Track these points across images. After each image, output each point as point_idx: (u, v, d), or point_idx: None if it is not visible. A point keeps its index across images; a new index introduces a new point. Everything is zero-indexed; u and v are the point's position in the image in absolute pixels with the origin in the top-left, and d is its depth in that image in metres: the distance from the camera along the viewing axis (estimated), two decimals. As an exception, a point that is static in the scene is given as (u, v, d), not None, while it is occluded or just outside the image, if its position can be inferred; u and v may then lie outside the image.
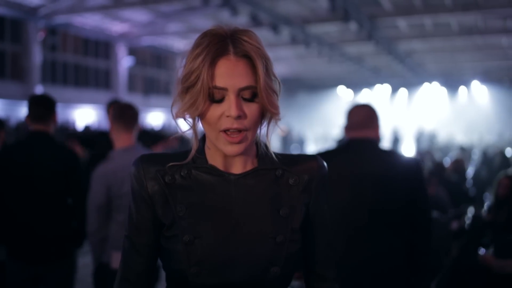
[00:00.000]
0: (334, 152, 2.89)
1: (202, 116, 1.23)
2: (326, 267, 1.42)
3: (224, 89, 1.18)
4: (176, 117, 1.25)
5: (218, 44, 1.19)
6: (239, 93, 1.19)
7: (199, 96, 1.18)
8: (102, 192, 3.08)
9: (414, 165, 2.76)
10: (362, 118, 2.84)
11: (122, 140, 3.23)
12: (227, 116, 1.18)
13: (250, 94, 1.20)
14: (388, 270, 2.65)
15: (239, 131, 1.20)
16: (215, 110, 1.20)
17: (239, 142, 1.21)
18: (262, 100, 1.20)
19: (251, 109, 1.20)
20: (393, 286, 2.69)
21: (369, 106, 2.90)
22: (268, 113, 1.25)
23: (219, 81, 1.18)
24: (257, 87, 1.19)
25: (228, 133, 1.20)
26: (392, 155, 2.86)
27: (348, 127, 2.88)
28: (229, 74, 1.18)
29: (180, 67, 1.24)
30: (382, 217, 2.66)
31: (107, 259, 3.16)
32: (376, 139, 2.83)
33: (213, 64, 1.18)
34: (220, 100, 1.19)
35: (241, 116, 1.19)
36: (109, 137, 3.55)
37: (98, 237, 3.14)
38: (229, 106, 1.18)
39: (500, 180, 5.20)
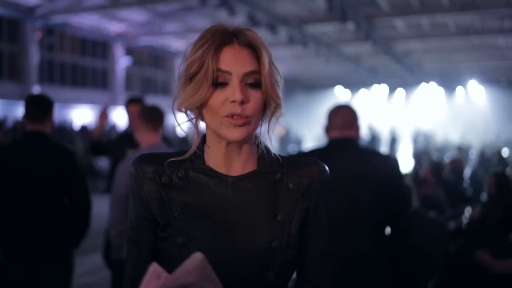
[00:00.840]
0: (317, 152, 2.91)
1: (204, 104, 1.22)
2: (320, 276, 1.37)
3: (228, 73, 1.19)
4: (178, 109, 1.24)
5: (222, 35, 1.21)
6: (243, 78, 1.19)
7: (203, 82, 1.19)
8: (126, 184, 3.15)
9: (394, 163, 2.83)
10: (344, 118, 2.89)
11: (148, 138, 3.44)
12: (231, 102, 1.18)
13: (254, 79, 1.21)
14: (372, 271, 2.69)
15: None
16: (218, 96, 1.19)
17: (242, 125, 1.20)
18: (266, 87, 1.21)
19: (255, 96, 1.21)
20: (376, 286, 2.72)
21: (350, 106, 2.97)
22: (271, 103, 1.24)
23: (224, 65, 1.19)
24: (260, 73, 1.20)
25: (232, 117, 1.19)
26: (374, 153, 2.94)
27: (330, 128, 2.93)
28: (233, 60, 1.19)
29: (181, 63, 1.24)
30: (368, 216, 2.70)
31: (124, 255, 3.22)
32: (357, 139, 2.89)
33: (217, 51, 1.20)
34: (224, 85, 1.20)
35: (244, 102, 1.18)
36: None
37: (118, 229, 3.22)
38: (233, 91, 1.18)
39: (489, 179, 5.21)
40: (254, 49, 1.22)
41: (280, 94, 1.25)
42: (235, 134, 1.20)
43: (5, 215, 3.21)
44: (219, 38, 1.20)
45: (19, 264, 3.21)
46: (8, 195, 3.20)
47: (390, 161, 2.83)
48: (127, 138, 4.41)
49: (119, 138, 4.76)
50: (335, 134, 2.87)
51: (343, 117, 2.88)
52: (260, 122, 1.27)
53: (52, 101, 3.37)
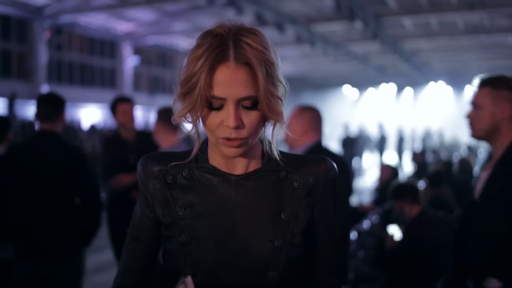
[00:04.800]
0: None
1: (201, 121, 1.21)
2: (329, 274, 1.37)
3: (223, 99, 1.14)
4: (176, 118, 1.22)
5: (218, 48, 1.13)
6: (239, 102, 1.15)
7: (196, 103, 1.15)
8: None
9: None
10: (320, 121, 3.02)
11: (169, 140, 3.57)
12: (226, 125, 1.15)
13: (251, 103, 1.15)
14: None
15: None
16: (214, 118, 1.16)
17: (238, 146, 1.18)
18: (263, 108, 1.16)
19: (251, 117, 1.16)
20: None
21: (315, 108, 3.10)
22: (271, 119, 1.21)
23: (218, 91, 1.13)
24: (257, 96, 1.14)
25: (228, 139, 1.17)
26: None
27: (315, 129, 2.96)
28: (228, 84, 1.13)
29: (181, 67, 1.20)
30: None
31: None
32: None
33: (211, 71, 1.13)
34: (219, 108, 1.16)
35: (239, 126, 1.15)
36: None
37: None
38: (228, 116, 1.14)
39: None
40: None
41: (281, 109, 1.20)
42: (231, 152, 1.19)
43: (16, 214, 3.23)
44: (214, 53, 1.12)
45: (30, 263, 3.22)
46: (19, 194, 3.22)
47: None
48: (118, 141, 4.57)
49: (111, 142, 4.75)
50: (317, 137, 2.96)
51: (319, 119, 3.05)
52: (263, 128, 1.25)
53: (63, 100, 3.38)
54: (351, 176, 3.08)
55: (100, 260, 6.07)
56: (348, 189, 3.05)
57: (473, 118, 2.43)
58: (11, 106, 13.64)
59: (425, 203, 5.29)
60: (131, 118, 4.53)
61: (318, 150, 2.86)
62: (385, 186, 6.35)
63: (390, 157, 20.75)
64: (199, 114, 1.18)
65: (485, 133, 2.42)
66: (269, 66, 1.16)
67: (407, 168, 15.52)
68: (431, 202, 5.68)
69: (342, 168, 2.90)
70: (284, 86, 1.22)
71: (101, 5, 15.38)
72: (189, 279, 1.13)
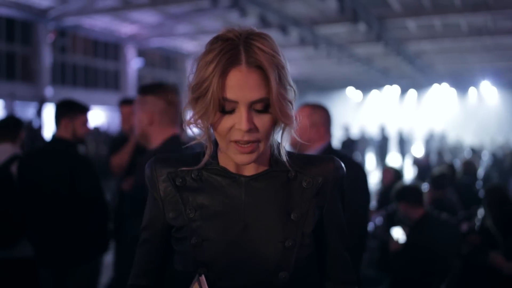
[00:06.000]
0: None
1: (212, 126, 1.21)
2: (343, 272, 1.38)
3: (235, 102, 1.15)
4: (187, 124, 1.23)
5: (229, 52, 1.14)
6: (251, 105, 1.15)
7: (209, 107, 1.15)
8: None
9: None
10: (330, 121, 2.93)
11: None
12: (238, 129, 1.16)
13: (262, 106, 1.16)
14: None
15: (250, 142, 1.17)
16: (226, 122, 1.17)
17: (250, 152, 1.18)
18: (274, 111, 1.16)
19: (263, 120, 1.17)
20: None
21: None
22: (281, 123, 1.22)
23: (230, 94, 1.14)
24: (269, 98, 1.15)
25: (239, 144, 1.17)
26: None
27: (327, 130, 2.88)
28: (240, 87, 1.13)
29: (191, 73, 1.20)
30: None
31: None
32: None
33: (224, 74, 1.13)
34: (231, 111, 1.16)
35: (252, 129, 1.16)
36: None
37: None
38: (240, 119, 1.15)
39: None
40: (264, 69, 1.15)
41: (292, 112, 1.20)
42: (243, 159, 1.20)
43: (28, 220, 3.24)
44: (226, 57, 1.13)
45: (46, 267, 3.24)
46: (31, 201, 3.23)
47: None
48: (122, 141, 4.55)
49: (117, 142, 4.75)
50: (329, 139, 2.85)
51: (329, 119, 2.91)
52: (273, 133, 1.25)
53: (66, 106, 3.35)
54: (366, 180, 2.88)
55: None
56: (368, 194, 2.86)
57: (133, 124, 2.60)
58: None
59: (427, 206, 5.28)
60: (128, 119, 4.53)
61: (330, 153, 2.78)
62: (388, 189, 6.35)
63: (393, 160, 20.73)
64: (211, 119, 1.17)
65: (140, 138, 2.61)
66: (280, 70, 1.17)
67: (409, 171, 15.47)
68: (435, 204, 5.67)
69: (361, 173, 2.80)
70: (294, 90, 1.22)
71: (105, 7, 15.40)
72: (203, 278, 1.15)
